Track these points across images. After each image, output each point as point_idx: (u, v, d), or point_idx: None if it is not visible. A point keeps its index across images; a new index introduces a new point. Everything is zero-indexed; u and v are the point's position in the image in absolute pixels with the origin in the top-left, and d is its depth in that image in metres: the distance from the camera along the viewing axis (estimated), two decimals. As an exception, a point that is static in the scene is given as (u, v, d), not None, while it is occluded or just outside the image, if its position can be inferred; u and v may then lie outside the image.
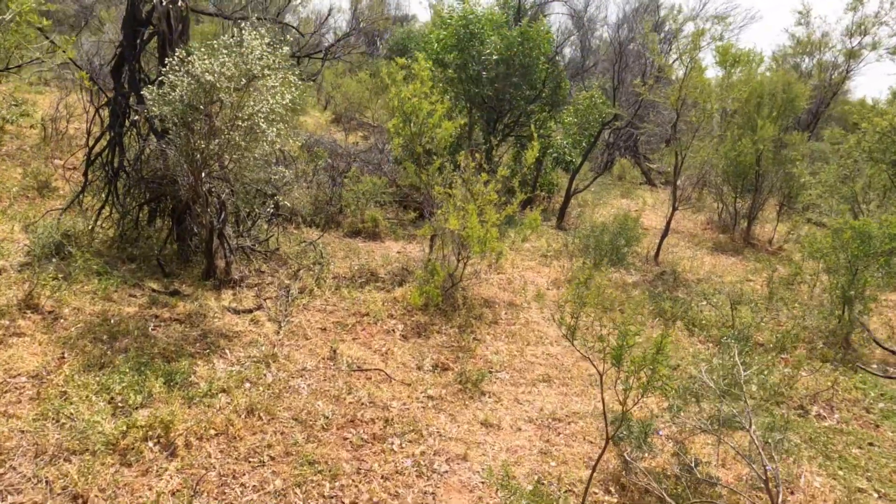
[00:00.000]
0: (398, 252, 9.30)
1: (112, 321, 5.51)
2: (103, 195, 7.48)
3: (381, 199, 10.55)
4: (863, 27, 24.74)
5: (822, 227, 15.77)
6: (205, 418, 4.34)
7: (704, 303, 8.59)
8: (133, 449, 3.91)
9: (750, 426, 3.83)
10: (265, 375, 5.13)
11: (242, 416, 4.48)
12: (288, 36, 6.46)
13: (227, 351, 5.44)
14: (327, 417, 4.69)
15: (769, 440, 4.16)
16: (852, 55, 25.10)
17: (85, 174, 7.65)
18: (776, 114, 14.72)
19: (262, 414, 4.56)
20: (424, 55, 9.00)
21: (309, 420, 4.62)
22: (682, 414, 4.57)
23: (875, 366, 7.47)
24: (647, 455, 4.54)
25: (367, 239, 9.83)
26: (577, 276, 8.99)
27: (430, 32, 12.43)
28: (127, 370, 4.69)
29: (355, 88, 19.81)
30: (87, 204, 7.77)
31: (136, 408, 4.32)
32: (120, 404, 4.33)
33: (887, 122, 13.48)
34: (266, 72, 5.70)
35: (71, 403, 4.23)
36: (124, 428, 3.99)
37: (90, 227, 7.41)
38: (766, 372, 4.68)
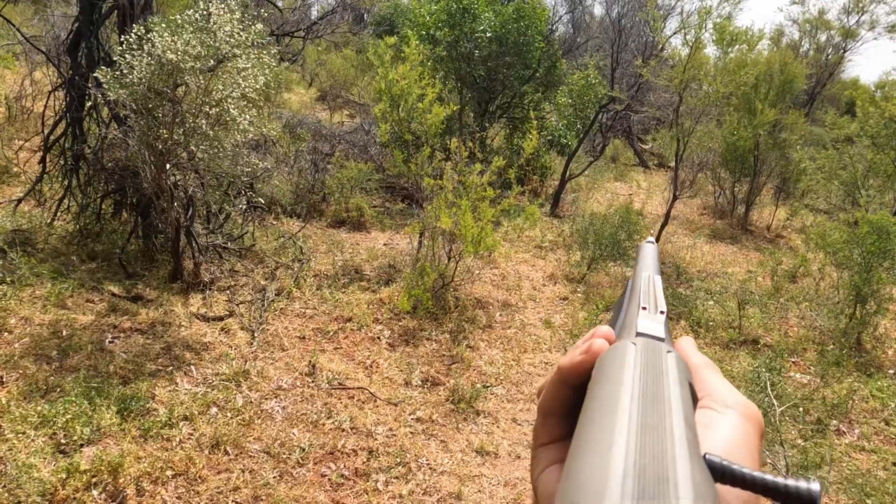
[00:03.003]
0: (385, 244, 8.73)
1: (64, 333, 4.92)
2: (61, 185, 6.84)
3: (367, 185, 9.94)
4: (861, 4, 24.21)
5: (820, 213, 15.39)
6: (162, 456, 3.79)
7: (711, 302, 8.12)
8: (74, 500, 3.36)
9: (786, 472, 3.35)
10: (235, 398, 4.58)
11: (206, 452, 3.93)
12: (263, 11, 5.78)
13: (192, 367, 4.88)
14: (303, 449, 4.15)
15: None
16: (849, 34, 24.58)
17: (42, 162, 6.99)
18: (774, 96, 14.20)
19: (228, 447, 4.02)
20: (415, 34, 8.35)
21: (282, 453, 4.09)
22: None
23: (892, 371, 7.05)
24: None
25: (351, 229, 9.24)
26: (573, 272, 8.49)
27: (420, 7, 11.72)
28: (74, 396, 4.12)
29: (340, 65, 19.04)
30: (45, 194, 7.12)
31: (82, 445, 3.76)
32: (63, 441, 3.77)
33: (895, 107, 12.99)
34: (237, 52, 5.05)
35: (5, 441, 3.66)
36: (64, 474, 3.44)
37: (48, 221, 6.78)
38: (801, 408, 4.22)
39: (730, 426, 0.45)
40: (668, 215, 11.08)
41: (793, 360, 7.07)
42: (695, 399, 0.44)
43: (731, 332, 7.40)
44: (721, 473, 0.35)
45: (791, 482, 0.36)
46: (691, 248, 11.26)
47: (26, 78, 11.73)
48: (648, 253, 0.74)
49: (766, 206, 14.78)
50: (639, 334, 0.47)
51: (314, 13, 22.00)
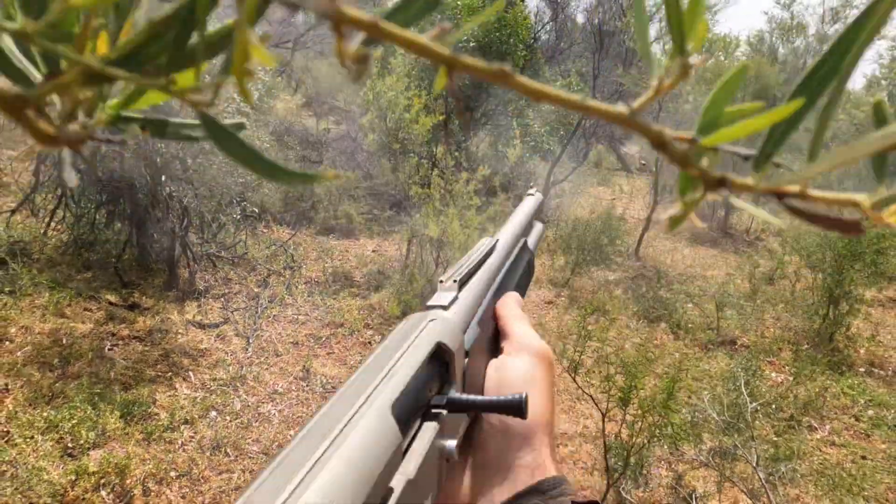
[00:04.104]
0: (373, 251, 8.92)
1: (64, 342, 5.06)
2: (55, 196, 6.96)
3: (355, 193, 10.13)
4: (836, 13, 24.78)
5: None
6: (166, 458, 3.96)
7: (690, 305, 8.39)
8: (84, 500, 3.52)
9: (756, 464, 3.59)
10: (233, 402, 4.76)
11: (207, 454, 4.11)
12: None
13: (190, 373, 5.04)
14: (300, 450, 4.33)
15: (773, 472, 3.93)
16: (824, 40, 25.16)
17: (35, 172, 7.11)
18: (749, 101, 14.54)
19: (228, 449, 4.20)
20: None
21: (280, 454, 4.26)
22: (681, 444, 4.33)
23: (862, 369, 7.35)
24: (642, 487, 4.28)
25: (340, 236, 9.41)
26: (563, 277, 8.74)
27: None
28: (79, 402, 4.28)
29: (326, 72, 19.17)
30: (39, 204, 7.24)
31: (88, 448, 3.92)
32: (70, 444, 3.93)
33: (864, 113, 13.42)
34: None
35: (14, 446, 3.81)
36: (73, 476, 3.60)
37: (42, 231, 6.90)
38: (774, 406, 4.48)
39: (522, 366, 0.56)
40: (649, 219, 11.36)
41: (769, 360, 7.35)
42: (494, 348, 0.57)
43: (710, 334, 7.66)
44: (459, 405, 0.46)
45: (504, 398, 0.46)
46: (672, 251, 11.56)
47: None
48: (520, 210, 0.80)
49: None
50: (427, 307, 0.57)
51: (300, 19, 22.11)
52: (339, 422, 0.37)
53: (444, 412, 0.47)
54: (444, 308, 0.57)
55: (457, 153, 7.43)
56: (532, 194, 0.87)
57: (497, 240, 0.75)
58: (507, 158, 7.71)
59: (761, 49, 24.91)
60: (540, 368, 0.58)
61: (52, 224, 6.91)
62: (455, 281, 0.62)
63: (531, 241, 0.80)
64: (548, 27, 19.08)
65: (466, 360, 0.58)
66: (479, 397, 0.48)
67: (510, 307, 0.65)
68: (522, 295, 0.73)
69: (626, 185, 17.96)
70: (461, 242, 6.52)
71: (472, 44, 11.46)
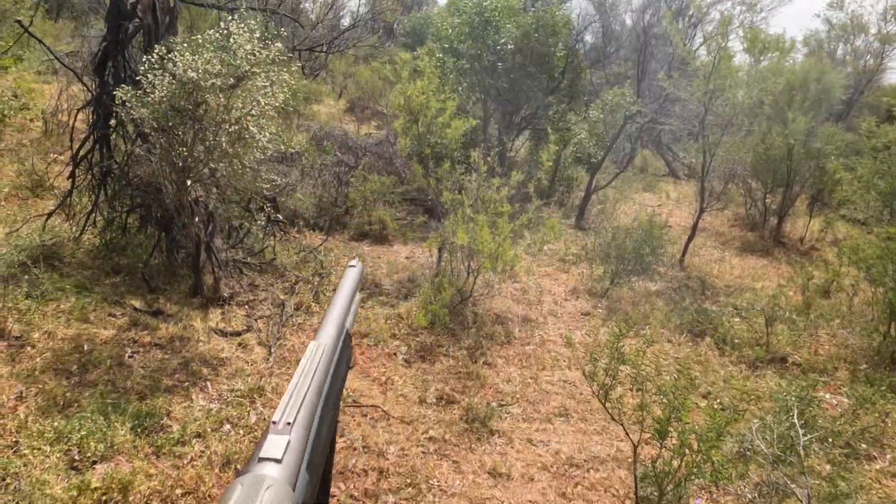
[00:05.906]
0: (406, 258, 8.73)
1: (85, 348, 5.00)
2: (90, 199, 6.98)
3: (390, 198, 9.97)
4: (898, 10, 23.59)
5: (856, 225, 14.92)
6: (173, 474, 3.82)
7: (738, 319, 7.92)
8: (84, 518, 3.40)
9: (808, 502, 3.23)
10: (248, 414, 4.60)
11: (216, 470, 3.94)
12: (283, 30, 5.83)
13: (208, 383, 4.92)
14: (314, 468, 4.14)
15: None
16: (887, 40, 23.97)
17: (71, 177, 7.16)
18: (809, 105, 13.86)
19: (238, 466, 4.03)
20: (431, 49, 8.38)
21: (293, 472, 4.08)
22: (722, 483, 3.96)
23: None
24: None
25: (374, 242, 9.27)
26: (595, 287, 8.37)
27: (442, 21, 11.76)
28: (90, 413, 4.18)
29: (368, 77, 19.18)
30: (74, 208, 7.28)
31: (95, 462, 3.81)
32: (77, 457, 3.82)
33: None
34: (256, 70, 5.11)
35: (21, 457, 3.72)
36: (76, 492, 3.48)
37: (77, 235, 6.92)
38: (831, 440, 4.09)
39: None
40: (695, 227, 10.88)
41: (824, 380, 6.84)
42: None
43: (758, 350, 7.20)
44: None
45: None
46: (720, 261, 11.03)
47: (63, 92, 12.03)
48: (341, 291, 0.81)
49: (800, 216, 14.40)
50: (260, 459, 0.54)
51: (345, 23, 22.15)
52: None
53: None
54: (278, 461, 0.56)
55: (490, 158, 7.17)
56: (353, 265, 0.88)
57: (322, 347, 0.75)
58: (541, 164, 7.41)
59: (819, 50, 23.91)
60: None
61: (86, 227, 6.93)
62: (288, 423, 0.61)
63: (350, 321, 0.76)
64: (595, 28, 18.65)
65: None
66: None
67: None
68: (342, 385, 0.74)
69: (674, 192, 17.36)
70: (491, 251, 6.26)
71: (510, 46, 11.19)
